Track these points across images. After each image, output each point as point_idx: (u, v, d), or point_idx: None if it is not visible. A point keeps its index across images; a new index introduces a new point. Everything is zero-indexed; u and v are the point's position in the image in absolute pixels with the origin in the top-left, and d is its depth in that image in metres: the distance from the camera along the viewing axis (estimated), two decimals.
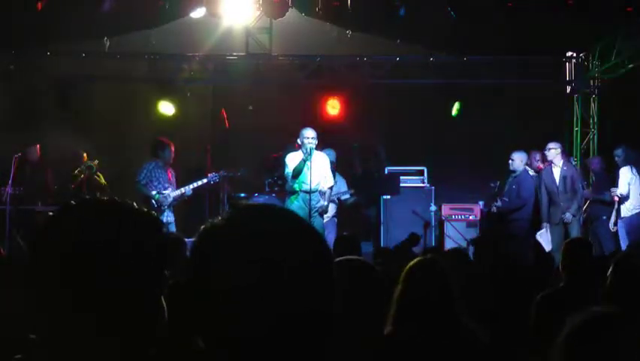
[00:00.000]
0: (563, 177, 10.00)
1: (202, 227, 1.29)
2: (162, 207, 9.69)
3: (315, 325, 1.25)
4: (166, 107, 11.19)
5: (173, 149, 9.89)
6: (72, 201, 1.42)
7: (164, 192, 9.70)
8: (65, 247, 1.32)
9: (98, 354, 1.31)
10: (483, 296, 3.97)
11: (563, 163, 10.09)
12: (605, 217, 10.22)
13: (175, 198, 9.81)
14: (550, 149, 10.10)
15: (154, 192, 9.66)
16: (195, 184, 9.95)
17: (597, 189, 10.38)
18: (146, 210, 1.45)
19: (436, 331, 3.03)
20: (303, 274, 1.24)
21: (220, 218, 1.30)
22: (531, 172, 10.55)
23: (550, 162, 10.11)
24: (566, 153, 10.60)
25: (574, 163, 10.51)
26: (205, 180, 10.02)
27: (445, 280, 3.16)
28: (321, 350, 1.25)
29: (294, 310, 1.22)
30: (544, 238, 10.16)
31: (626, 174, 9.92)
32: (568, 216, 9.87)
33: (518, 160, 10.28)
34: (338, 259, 2.84)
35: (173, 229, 9.82)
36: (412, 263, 3.26)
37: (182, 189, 9.86)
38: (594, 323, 1.88)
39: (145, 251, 1.37)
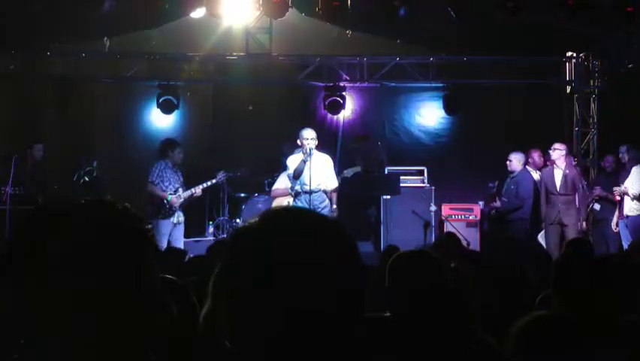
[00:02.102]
0: (564, 179, 9.98)
1: (236, 228, 1.36)
2: (173, 208, 9.71)
3: (340, 324, 1.27)
4: (166, 107, 11.18)
5: (181, 150, 9.94)
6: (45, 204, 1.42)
7: (175, 193, 9.73)
8: (45, 247, 1.33)
9: (86, 354, 1.31)
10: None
11: (566, 165, 10.07)
12: (611, 218, 10.18)
13: (185, 199, 9.85)
14: (555, 149, 10.08)
15: (167, 193, 9.68)
16: (205, 184, 10.03)
17: (607, 188, 10.20)
18: (126, 206, 1.45)
19: (447, 338, 2.90)
20: (333, 275, 1.27)
21: (254, 220, 1.34)
22: (532, 171, 10.55)
23: (553, 162, 10.09)
24: (570, 155, 10.56)
25: (573, 164, 10.48)
26: (214, 180, 10.13)
27: (440, 276, 2.97)
28: (349, 347, 1.28)
29: (319, 310, 1.25)
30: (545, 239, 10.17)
31: (639, 172, 9.86)
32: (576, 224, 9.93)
33: (515, 161, 10.29)
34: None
35: (182, 229, 9.86)
36: (396, 255, 3.05)
37: (193, 190, 9.90)
38: (536, 322, 2.29)
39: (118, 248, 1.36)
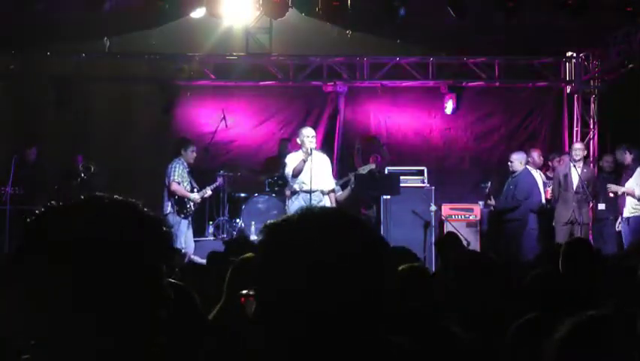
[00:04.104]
0: (581, 179, 9.96)
1: (265, 227, 1.38)
2: (193, 208, 9.73)
3: (365, 315, 1.29)
4: (166, 107, 11.18)
5: (195, 149, 9.94)
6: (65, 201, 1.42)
7: (196, 193, 9.76)
8: (62, 244, 1.32)
9: (98, 352, 1.31)
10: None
11: (584, 165, 10.08)
12: (611, 218, 10.19)
13: (201, 198, 9.89)
14: (577, 149, 10.11)
15: (191, 192, 9.69)
16: (213, 186, 10.07)
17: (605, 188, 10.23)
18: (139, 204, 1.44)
19: (425, 342, 2.95)
20: (358, 266, 1.30)
21: (288, 219, 1.37)
22: (533, 171, 10.55)
23: (571, 161, 10.08)
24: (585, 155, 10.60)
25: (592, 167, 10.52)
26: (217, 184, 10.23)
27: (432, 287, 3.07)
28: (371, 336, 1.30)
29: (350, 309, 1.27)
30: None
31: None
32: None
33: (517, 161, 10.29)
34: None
35: (191, 229, 9.90)
36: (399, 270, 3.16)
37: (204, 191, 9.91)
38: (586, 326, 2.01)
39: (138, 246, 1.36)
